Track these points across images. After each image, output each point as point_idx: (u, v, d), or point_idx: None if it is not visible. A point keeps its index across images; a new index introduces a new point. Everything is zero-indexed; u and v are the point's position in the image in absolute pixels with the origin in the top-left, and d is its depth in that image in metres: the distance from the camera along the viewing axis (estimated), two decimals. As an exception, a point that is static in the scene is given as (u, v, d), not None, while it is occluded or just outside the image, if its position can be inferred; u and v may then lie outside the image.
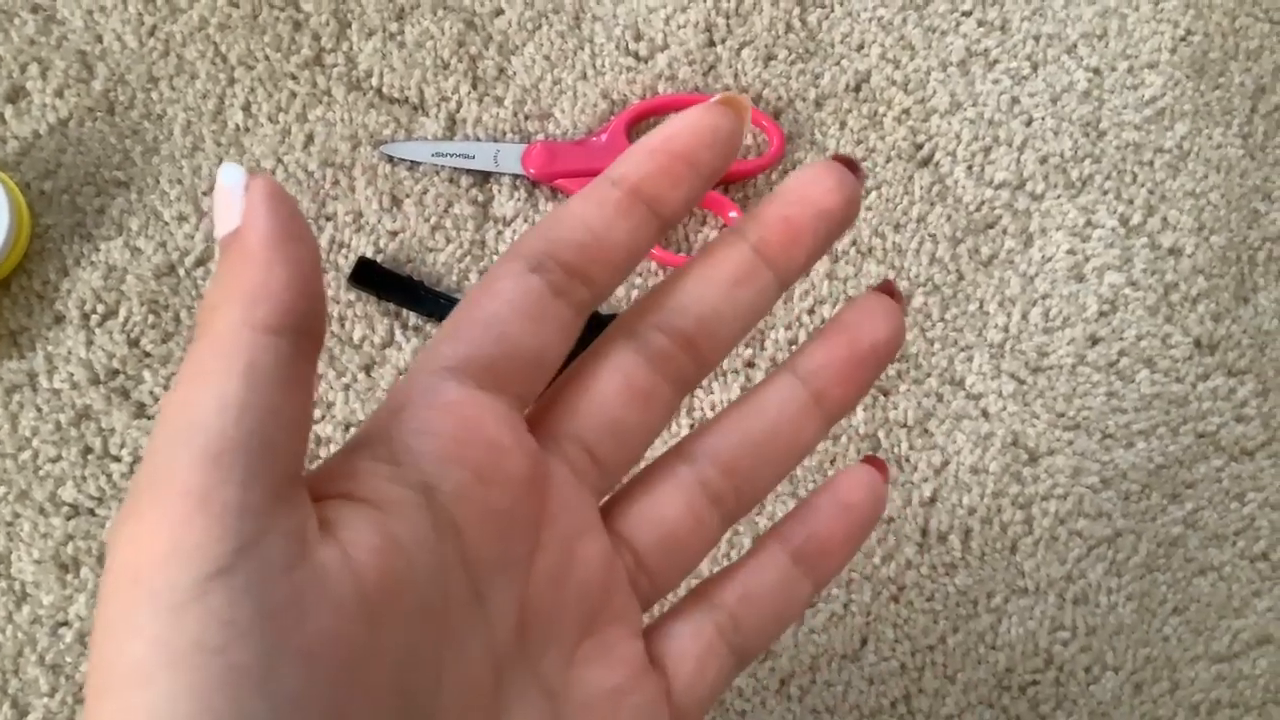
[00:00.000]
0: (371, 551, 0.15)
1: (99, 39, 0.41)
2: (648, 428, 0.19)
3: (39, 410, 0.38)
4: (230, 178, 0.16)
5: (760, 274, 0.19)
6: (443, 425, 0.17)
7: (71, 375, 0.38)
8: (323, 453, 0.39)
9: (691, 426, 0.40)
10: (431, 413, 0.17)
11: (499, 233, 0.41)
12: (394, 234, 0.41)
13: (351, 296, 0.40)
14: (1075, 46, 0.44)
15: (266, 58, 0.41)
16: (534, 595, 0.18)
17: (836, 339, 0.19)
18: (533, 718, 0.18)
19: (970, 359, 0.42)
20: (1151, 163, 0.44)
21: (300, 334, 0.15)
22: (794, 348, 0.41)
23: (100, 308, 0.39)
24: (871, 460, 0.20)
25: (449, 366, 0.17)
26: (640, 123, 0.42)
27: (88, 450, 0.38)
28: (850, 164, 0.19)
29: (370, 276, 0.39)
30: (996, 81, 0.44)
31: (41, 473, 0.38)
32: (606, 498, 0.20)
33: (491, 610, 0.17)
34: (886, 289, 0.20)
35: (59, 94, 0.40)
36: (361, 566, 0.15)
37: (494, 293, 0.18)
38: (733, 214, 0.41)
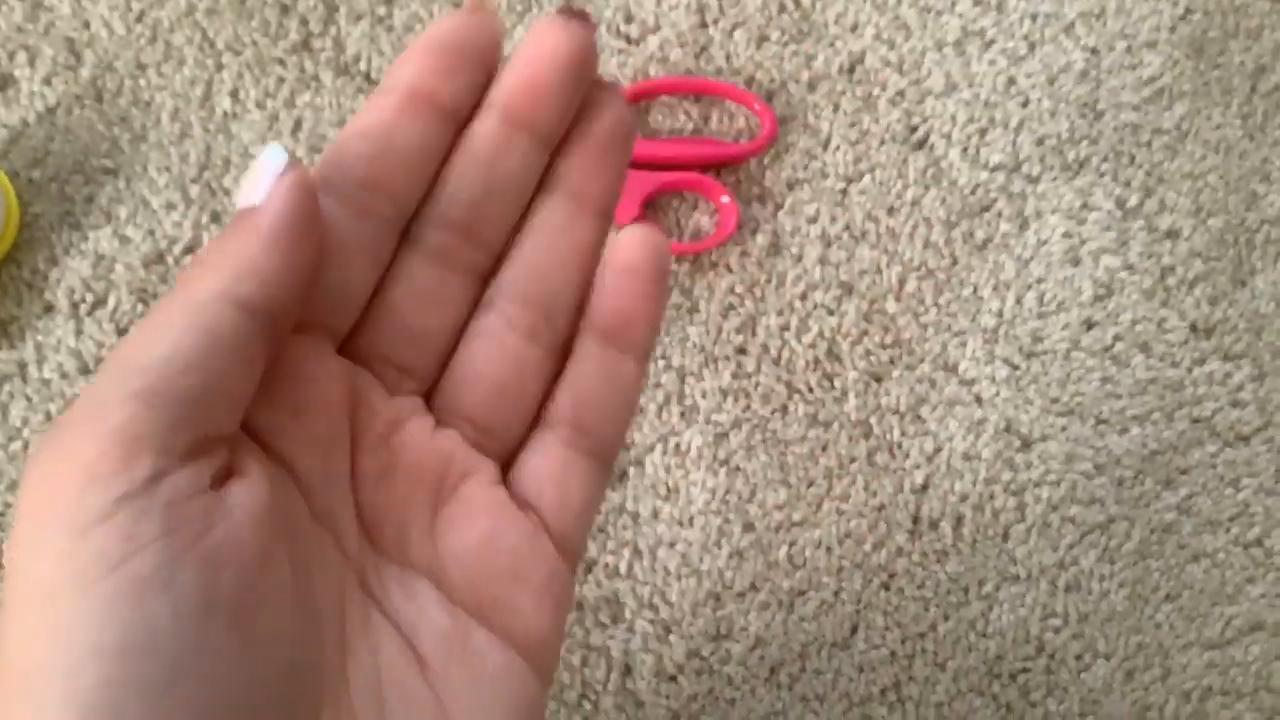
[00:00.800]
0: (263, 477, 0.16)
1: (87, 25, 0.41)
2: (444, 325, 0.19)
3: (29, 400, 0.38)
4: (272, 157, 0.16)
5: (516, 141, 0.18)
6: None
7: (61, 365, 0.38)
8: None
9: (682, 414, 0.40)
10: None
11: (488, 219, 0.41)
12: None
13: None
14: (1073, 26, 0.44)
15: (254, 43, 0.41)
16: (367, 499, 0.18)
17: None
18: (418, 602, 0.18)
19: (964, 344, 0.41)
20: (1149, 144, 0.43)
21: (270, 321, 0.16)
22: (786, 333, 0.41)
23: (89, 297, 0.39)
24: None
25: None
26: (632, 105, 0.42)
27: (79, 439, 0.38)
28: (577, 13, 0.18)
29: None
30: (992, 62, 0.43)
31: (33, 462, 0.38)
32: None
33: (339, 524, 0.18)
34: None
35: (47, 81, 0.40)
36: (258, 493, 0.16)
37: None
38: (724, 198, 0.41)
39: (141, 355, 0.15)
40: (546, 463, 0.19)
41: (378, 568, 0.18)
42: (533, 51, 0.18)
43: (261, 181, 0.16)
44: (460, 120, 0.18)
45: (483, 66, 0.18)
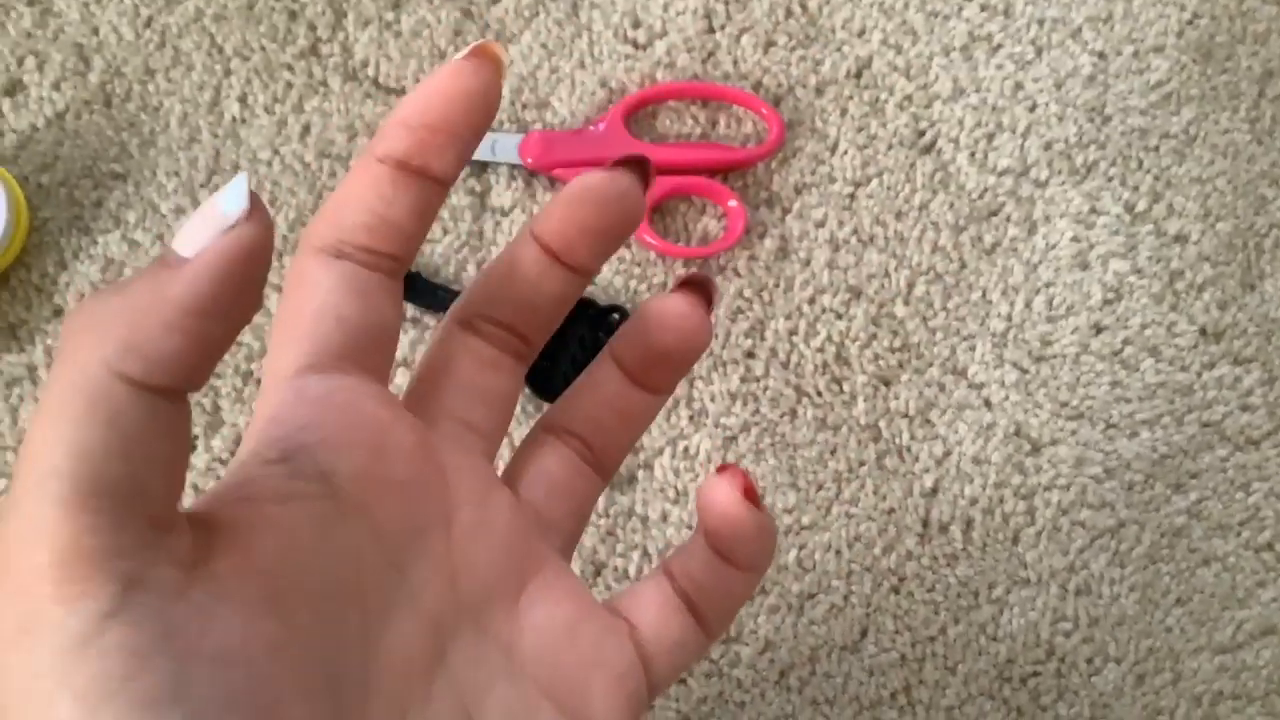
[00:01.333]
0: (270, 548, 0.15)
1: (95, 31, 0.41)
2: (506, 392, 0.20)
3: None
4: (227, 203, 0.14)
5: (556, 271, 0.20)
6: (322, 416, 0.17)
7: (71, 369, 0.38)
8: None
9: (691, 418, 0.40)
10: (307, 408, 0.17)
11: (496, 223, 0.41)
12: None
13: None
14: (1080, 30, 0.44)
15: (262, 48, 0.41)
16: (459, 554, 0.18)
17: (639, 332, 0.21)
18: (487, 670, 0.18)
19: (973, 348, 0.41)
20: (1157, 148, 0.43)
21: (173, 392, 0.14)
22: (794, 337, 0.41)
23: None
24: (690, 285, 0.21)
25: (302, 366, 0.17)
26: (639, 111, 0.42)
27: (88, 443, 0.38)
28: (631, 162, 0.20)
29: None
30: (1000, 67, 0.43)
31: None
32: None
33: (415, 578, 0.17)
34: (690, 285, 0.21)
35: (56, 87, 0.40)
36: (261, 567, 0.15)
37: (312, 285, 0.18)
38: (731, 202, 0.41)
39: (52, 454, 0.14)
40: (657, 599, 0.20)
41: (455, 630, 0.18)
42: (579, 208, 0.19)
43: (201, 233, 0.14)
44: (451, 182, 0.19)
45: (476, 135, 0.18)
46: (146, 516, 0.14)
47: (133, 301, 0.14)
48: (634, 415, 0.21)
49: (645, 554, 0.39)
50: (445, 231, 0.40)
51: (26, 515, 0.13)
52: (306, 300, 0.18)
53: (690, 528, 0.39)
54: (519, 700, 0.18)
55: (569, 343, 0.39)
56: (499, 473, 0.20)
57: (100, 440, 0.14)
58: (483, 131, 0.18)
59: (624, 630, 0.19)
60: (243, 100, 0.41)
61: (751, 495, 0.19)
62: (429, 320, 0.40)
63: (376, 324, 0.18)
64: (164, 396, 0.14)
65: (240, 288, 0.14)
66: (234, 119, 0.41)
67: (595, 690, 0.18)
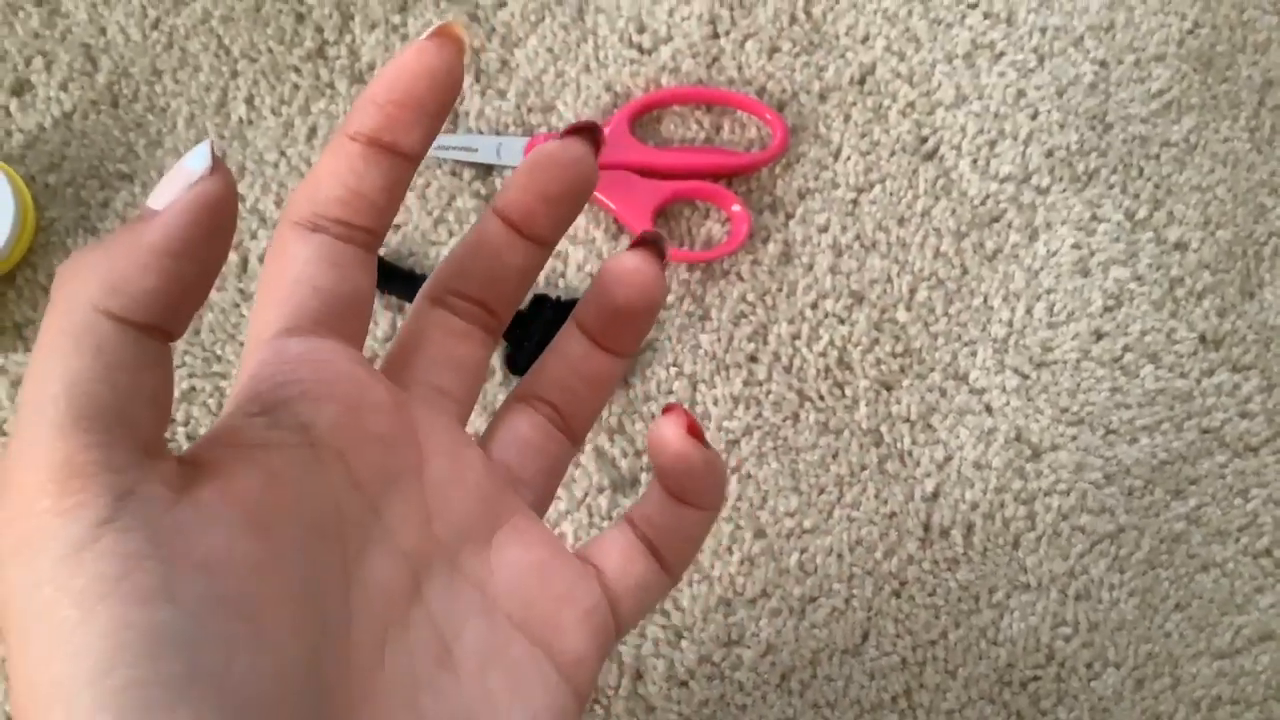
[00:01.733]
0: (252, 483, 0.17)
1: (103, 32, 0.41)
2: (475, 361, 0.22)
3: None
4: (193, 162, 0.16)
5: (518, 244, 0.21)
6: (300, 373, 0.18)
7: (76, 368, 0.39)
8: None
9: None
10: (286, 366, 0.18)
11: (502, 226, 0.41)
12: (397, 227, 0.41)
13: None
14: (1082, 39, 0.44)
15: (269, 50, 0.41)
16: (432, 500, 0.20)
17: (598, 293, 0.22)
18: (460, 606, 0.19)
19: (974, 354, 0.42)
20: (1158, 156, 0.44)
21: (151, 330, 0.16)
22: (797, 342, 0.41)
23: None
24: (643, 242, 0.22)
25: (281, 329, 0.19)
26: (644, 115, 0.42)
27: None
28: (582, 129, 0.21)
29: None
30: (1002, 74, 0.43)
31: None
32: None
33: (390, 520, 0.19)
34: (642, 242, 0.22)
35: (63, 87, 0.40)
36: (243, 496, 0.16)
37: (290, 256, 0.19)
38: (735, 207, 0.41)
39: (47, 385, 0.15)
40: (620, 543, 0.22)
41: (429, 568, 0.19)
42: (535, 176, 0.21)
43: (171, 187, 0.16)
44: (420, 157, 0.20)
45: (443, 110, 0.19)
46: (135, 440, 0.15)
47: (113, 249, 0.16)
48: (599, 378, 0.22)
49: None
50: (450, 234, 0.41)
51: (25, 439, 0.15)
52: (285, 270, 0.19)
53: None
54: (493, 633, 0.19)
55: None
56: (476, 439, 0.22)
57: (89, 369, 0.15)
58: (448, 107, 0.19)
59: (591, 573, 0.21)
60: (249, 102, 0.41)
61: (696, 432, 0.21)
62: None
63: (350, 292, 0.19)
64: (145, 333, 0.16)
65: (208, 232, 0.16)
66: (241, 120, 0.41)
67: (565, 624, 0.20)
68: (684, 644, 0.39)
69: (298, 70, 0.41)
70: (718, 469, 0.21)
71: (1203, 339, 0.42)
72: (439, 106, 0.19)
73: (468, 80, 0.42)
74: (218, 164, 0.16)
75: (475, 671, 0.19)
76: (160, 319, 0.16)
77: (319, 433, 0.18)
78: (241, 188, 0.40)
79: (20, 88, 0.40)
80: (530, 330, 0.40)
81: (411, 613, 0.18)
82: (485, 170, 0.41)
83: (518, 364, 0.40)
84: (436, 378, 0.21)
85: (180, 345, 0.39)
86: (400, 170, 0.19)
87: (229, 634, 0.15)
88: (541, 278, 0.41)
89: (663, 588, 0.22)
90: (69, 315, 0.15)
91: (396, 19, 0.42)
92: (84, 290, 0.15)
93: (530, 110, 0.42)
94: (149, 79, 0.41)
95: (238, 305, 0.40)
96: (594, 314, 0.22)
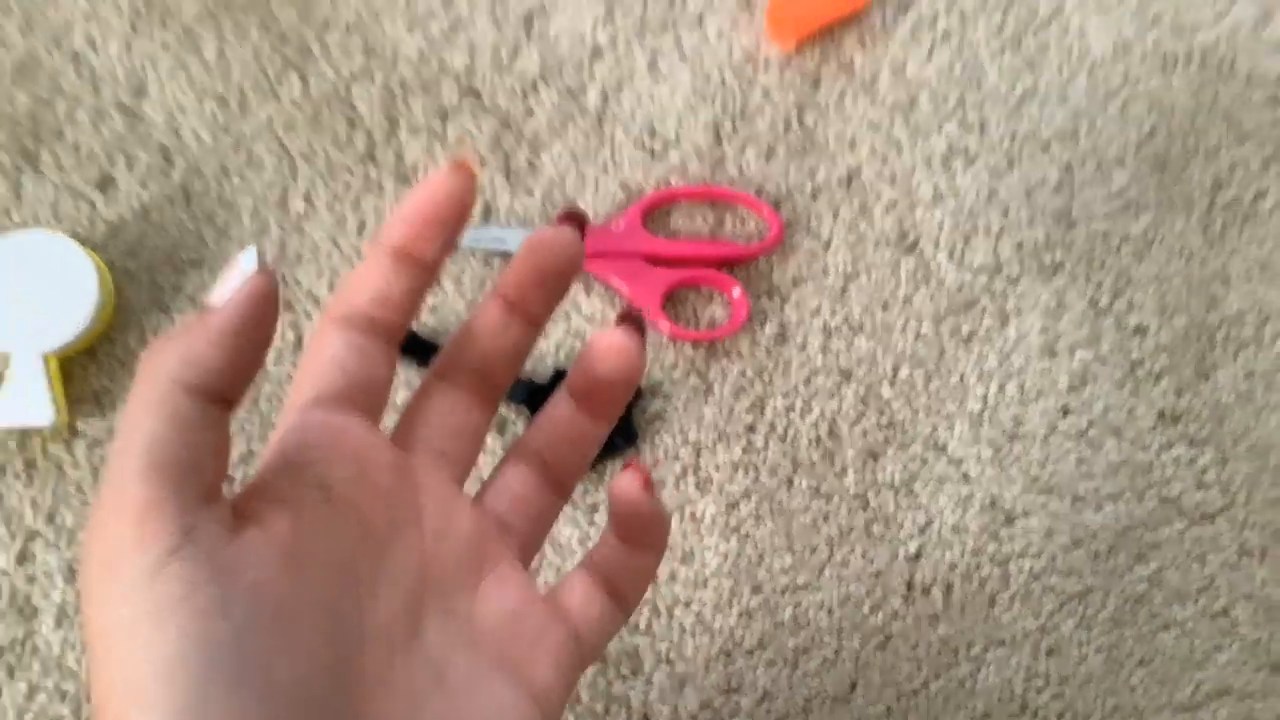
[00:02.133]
0: (285, 528, 0.20)
1: (178, 134, 0.47)
2: (473, 428, 0.25)
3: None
4: (244, 264, 0.20)
5: (514, 322, 0.25)
6: (320, 438, 0.22)
7: (145, 432, 0.43)
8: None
9: (697, 485, 0.44)
10: (309, 433, 0.22)
11: (527, 309, 0.46)
12: (434, 309, 0.45)
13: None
14: (1049, 144, 0.49)
15: (325, 153, 0.47)
16: (429, 548, 0.23)
17: (584, 364, 0.25)
18: (449, 638, 0.23)
19: (952, 427, 0.46)
20: (1119, 250, 0.48)
21: (218, 397, 0.20)
22: (791, 414, 0.45)
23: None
24: (625, 320, 0.25)
25: (309, 401, 0.23)
26: (655, 210, 0.47)
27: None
28: (571, 217, 0.25)
29: (414, 347, 0.44)
30: (975, 176, 0.49)
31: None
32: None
33: (395, 564, 0.22)
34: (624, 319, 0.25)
35: (143, 184, 0.46)
36: (278, 538, 0.20)
37: (325, 343, 0.23)
38: (736, 292, 0.46)
39: (134, 442, 0.19)
40: (581, 586, 0.25)
41: (426, 605, 0.23)
42: (532, 256, 0.24)
43: (228, 286, 0.20)
44: (438, 267, 0.23)
45: (458, 226, 0.24)
46: (200, 488, 0.19)
47: (186, 333, 0.20)
48: (582, 440, 0.26)
49: (655, 609, 0.43)
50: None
51: (113, 484, 0.19)
52: (319, 355, 0.23)
53: (697, 585, 0.43)
54: (477, 664, 0.23)
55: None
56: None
57: (166, 429, 0.19)
58: (462, 224, 0.23)
59: (560, 615, 0.24)
60: (307, 198, 0.46)
61: (649, 486, 0.25)
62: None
63: (372, 376, 0.23)
64: (212, 401, 0.20)
65: (259, 317, 0.20)
66: (299, 214, 0.46)
67: (538, 660, 0.24)
68: (687, 690, 0.42)
69: (350, 170, 0.47)
70: (663, 519, 0.25)
71: (1161, 415, 0.47)
72: (456, 223, 0.23)
73: (499, 179, 0.47)
74: (263, 265, 0.20)
75: (463, 694, 0.22)
76: (223, 388, 0.20)
77: (334, 487, 0.22)
78: (299, 274, 0.45)
79: (104, 183, 0.46)
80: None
81: (412, 642, 0.22)
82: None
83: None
84: (437, 442, 0.24)
85: (241, 415, 0.44)
86: (421, 278, 0.23)
87: (271, 645, 0.19)
88: (563, 355, 0.45)
89: (618, 621, 0.25)
90: (151, 387, 0.19)
91: (437, 125, 0.47)
92: (164, 366, 0.19)
93: (554, 206, 0.47)
94: (218, 177, 0.46)
95: (291, 378, 0.45)
96: (580, 382, 0.25)
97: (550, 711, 0.23)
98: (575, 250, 0.24)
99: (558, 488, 0.26)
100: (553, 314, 0.25)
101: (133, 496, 0.19)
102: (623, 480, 0.24)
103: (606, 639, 0.25)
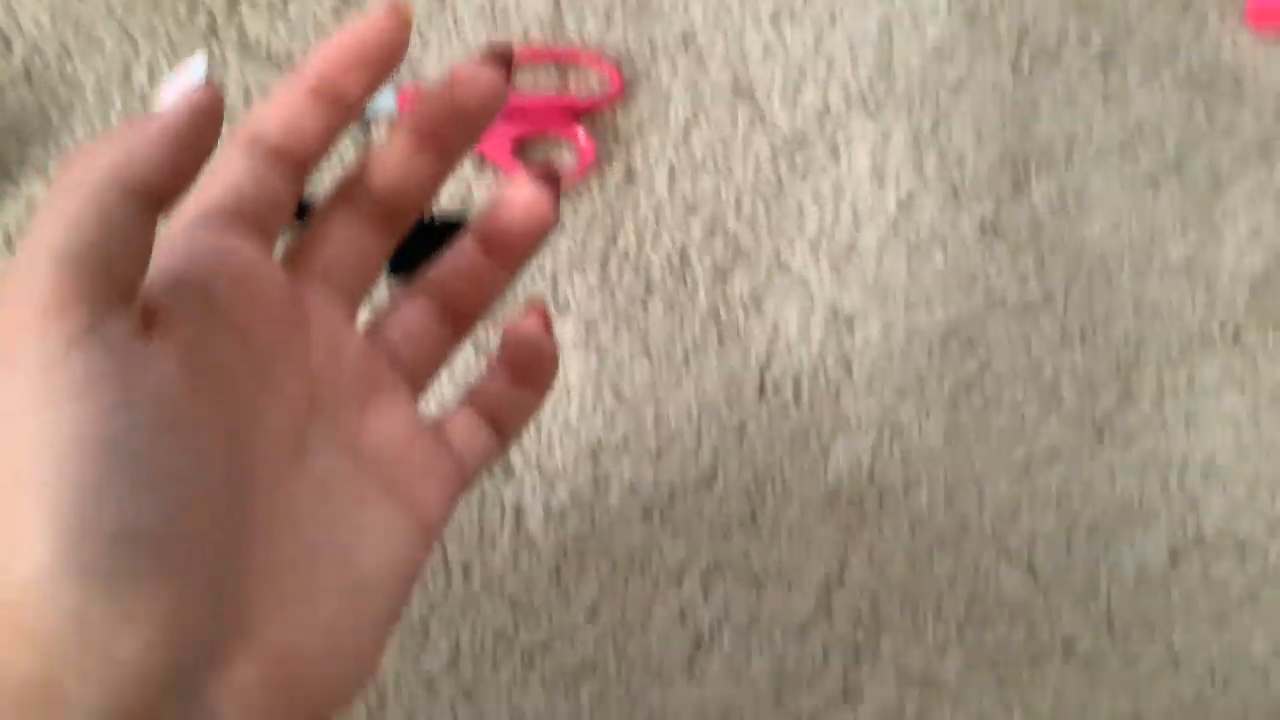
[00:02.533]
0: (181, 339, 0.20)
1: (16, 21, 0.47)
2: (369, 258, 0.25)
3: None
4: (191, 75, 0.21)
5: (423, 154, 0.24)
6: (208, 258, 0.22)
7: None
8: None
9: (556, 308, 0.46)
10: (196, 252, 0.22)
11: (380, 164, 0.47)
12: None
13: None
14: (869, 3, 0.53)
15: (168, 33, 0.47)
16: (316, 373, 0.23)
17: (497, 212, 0.25)
18: (335, 460, 0.23)
19: (793, 247, 0.49)
20: (937, 92, 0.52)
21: (150, 201, 0.19)
22: (643, 245, 0.48)
23: (20, 236, 0.44)
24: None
25: (198, 217, 0.22)
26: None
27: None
28: (497, 54, 0.24)
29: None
30: (802, 33, 0.52)
31: None
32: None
33: (282, 386, 0.22)
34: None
35: (-19, 67, 0.46)
36: (178, 347, 0.20)
37: (224, 163, 0.23)
38: (581, 135, 0.48)
39: (52, 236, 0.18)
40: (465, 419, 0.26)
41: (312, 424, 0.23)
42: (451, 92, 0.24)
43: (173, 95, 0.21)
44: (356, 111, 0.23)
45: (384, 70, 0.23)
46: (114, 285, 0.19)
47: (123, 134, 0.19)
48: (488, 286, 0.26)
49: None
50: (333, 179, 0.47)
51: (23, 270, 0.18)
52: (217, 175, 0.22)
53: (559, 398, 0.45)
54: (363, 489, 0.23)
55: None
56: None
57: (90, 223, 0.18)
58: (390, 70, 0.23)
59: (444, 446, 0.25)
60: (150, 74, 0.47)
61: (549, 329, 0.26)
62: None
63: (268, 202, 0.23)
64: (142, 202, 0.19)
65: (203, 128, 0.20)
66: (144, 88, 0.47)
67: (424, 488, 0.24)
68: (558, 486, 0.44)
69: (192, 49, 0.48)
70: (556, 357, 0.26)
71: (982, 228, 0.51)
72: (382, 69, 0.22)
73: (345, 48, 0.49)
74: (210, 81, 0.21)
75: (349, 513, 0.22)
76: (158, 190, 0.19)
77: (221, 308, 0.21)
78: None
79: (-58, 71, 0.46)
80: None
81: (298, 462, 0.22)
82: (365, 124, 0.48)
83: (396, 265, 0.45)
84: (333, 271, 0.24)
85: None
86: (337, 116, 0.23)
87: (172, 449, 0.18)
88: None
89: (498, 454, 0.26)
90: (80, 180, 0.18)
91: (278, 1, 0.49)
92: (99, 161, 0.19)
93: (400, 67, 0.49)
94: (60, 57, 0.47)
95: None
96: (489, 230, 0.25)
97: (433, 534, 0.24)
98: (497, 93, 0.23)
99: (455, 325, 0.26)
100: (465, 155, 0.24)
101: (42, 282, 0.18)
102: (528, 322, 0.25)
103: (486, 468, 0.26)
